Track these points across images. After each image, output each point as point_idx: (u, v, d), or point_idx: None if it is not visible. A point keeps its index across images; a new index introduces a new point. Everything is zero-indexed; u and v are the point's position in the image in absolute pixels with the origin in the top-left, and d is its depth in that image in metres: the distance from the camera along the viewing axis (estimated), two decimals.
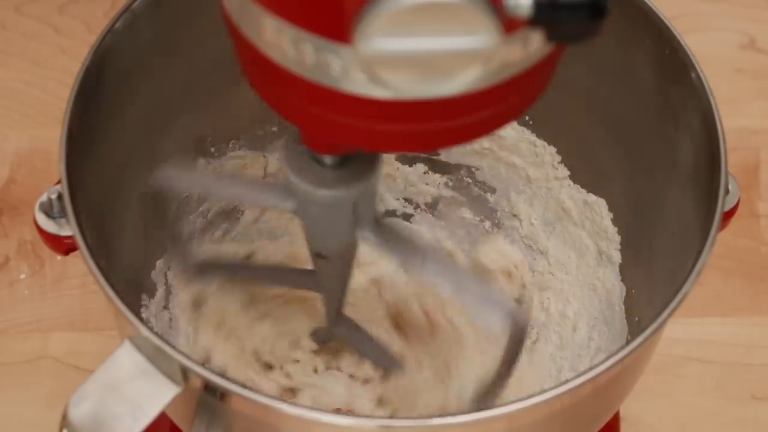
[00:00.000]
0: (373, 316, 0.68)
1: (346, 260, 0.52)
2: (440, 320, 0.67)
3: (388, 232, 0.48)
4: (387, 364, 0.64)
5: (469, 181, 0.72)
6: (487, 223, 0.72)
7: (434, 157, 0.71)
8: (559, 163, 0.68)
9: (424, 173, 0.72)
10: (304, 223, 0.48)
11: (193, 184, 0.54)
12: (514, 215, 0.71)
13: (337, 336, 0.63)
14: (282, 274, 0.64)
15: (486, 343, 0.65)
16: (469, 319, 0.66)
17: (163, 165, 0.51)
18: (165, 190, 0.51)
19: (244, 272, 0.65)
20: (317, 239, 0.49)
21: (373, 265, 0.70)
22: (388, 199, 0.73)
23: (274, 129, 0.69)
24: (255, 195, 0.51)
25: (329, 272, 0.53)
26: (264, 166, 0.69)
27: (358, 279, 0.68)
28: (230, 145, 0.67)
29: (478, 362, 0.65)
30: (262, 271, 0.66)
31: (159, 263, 0.64)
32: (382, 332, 0.67)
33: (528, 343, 0.69)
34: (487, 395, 0.53)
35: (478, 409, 0.44)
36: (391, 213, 0.73)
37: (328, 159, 0.44)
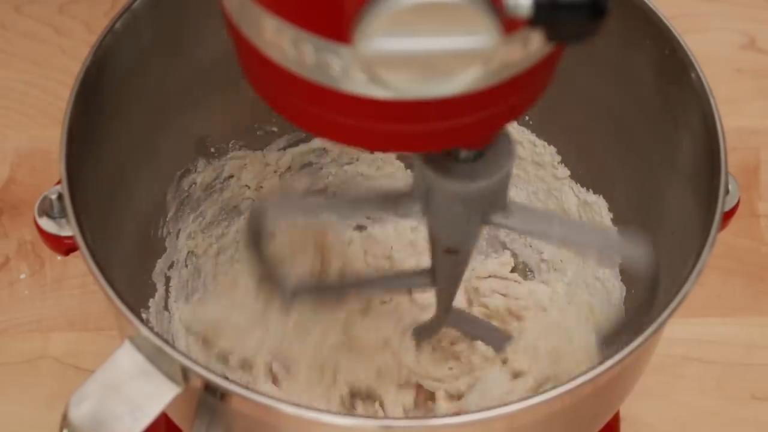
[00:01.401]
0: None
1: (473, 248, 0.51)
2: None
3: (519, 212, 0.47)
4: (499, 340, 0.65)
5: None
6: None
7: None
8: (559, 163, 0.68)
9: None
10: (432, 221, 0.47)
11: (304, 212, 0.53)
12: None
13: (449, 325, 0.63)
14: (380, 281, 0.63)
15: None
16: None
17: (263, 201, 0.50)
18: (269, 226, 0.51)
19: (339, 290, 0.63)
20: (450, 234, 0.48)
21: None
22: None
23: (274, 129, 0.69)
24: (377, 208, 0.51)
25: (454, 265, 0.52)
26: (264, 165, 0.69)
27: None
28: (230, 145, 0.67)
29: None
30: (358, 283, 0.64)
31: (159, 263, 0.64)
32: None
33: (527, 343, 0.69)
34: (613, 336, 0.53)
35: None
36: None
37: (463, 153, 0.43)
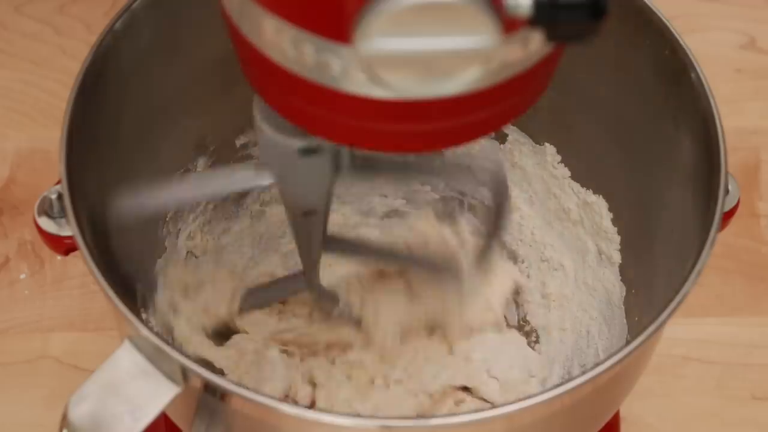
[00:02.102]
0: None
1: (328, 209, 0.51)
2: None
3: (369, 166, 0.47)
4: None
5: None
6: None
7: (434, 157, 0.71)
8: (559, 163, 0.68)
9: None
10: (286, 187, 0.48)
11: (161, 200, 0.52)
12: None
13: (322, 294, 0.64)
14: (276, 290, 0.64)
15: None
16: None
17: (117, 194, 0.49)
18: (133, 218, 0.50)
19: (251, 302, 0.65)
20: (304, 197, 0.49)
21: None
22: (389, 199, 0.73)
23: None
24: (227, 183, 0.51)
25: (313, 227, 0.52)
26: None
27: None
28: (230, 145, 0.67)
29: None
30: (258, 294, 0.65)
31: (159, 263, 0.64)
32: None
33: (528, 343, 0.69)
34: (481, 261, 0.54)
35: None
36: (393, 213, 0.73)
37: None
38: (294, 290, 0.65)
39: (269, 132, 0.44)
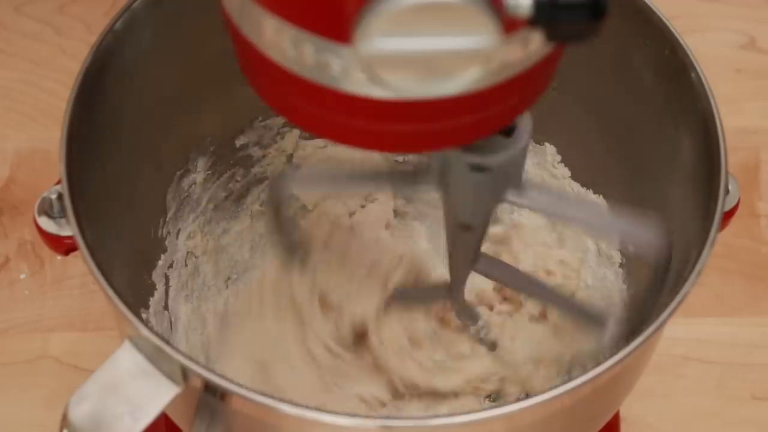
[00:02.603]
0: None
1: (485, 229, 0.51)
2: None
3: (533, 191, 0.47)
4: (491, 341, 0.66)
5: None
6: None
7: None
8: (559, 162, 0.68)
9: None
10: (447, 196, 0.48)
11: (326, 182, 0.56)
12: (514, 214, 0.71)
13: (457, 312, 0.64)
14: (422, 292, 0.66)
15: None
16: None
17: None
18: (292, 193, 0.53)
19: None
20: (464, 210, 0.49)
21: None
22: (388, 200, 0.73)
23: (274, 130, 0.69)
24: (396, 180, 0.54)
25: (468, 243, 0.52)
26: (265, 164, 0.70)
27: None
28: (230, 145, 0.67)
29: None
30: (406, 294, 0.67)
31: (159, 263, 0.64)
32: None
33: None
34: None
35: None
36: (394, 213, 0.73)
37: None
38: (436, 299, 0.66)
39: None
